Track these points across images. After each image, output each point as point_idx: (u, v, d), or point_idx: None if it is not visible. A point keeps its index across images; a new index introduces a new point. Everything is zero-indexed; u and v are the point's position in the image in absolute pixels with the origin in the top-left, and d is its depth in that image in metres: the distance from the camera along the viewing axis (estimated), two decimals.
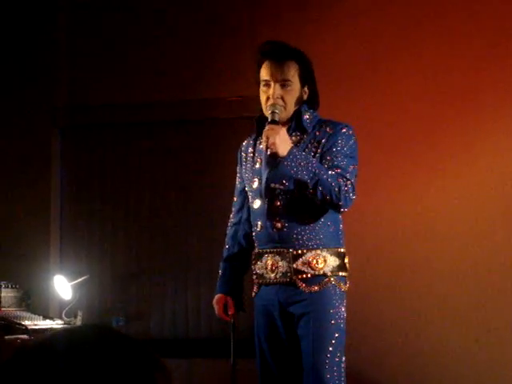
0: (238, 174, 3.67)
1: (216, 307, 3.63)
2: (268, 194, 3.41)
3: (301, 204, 3.36)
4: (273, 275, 3.41)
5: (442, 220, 5.08)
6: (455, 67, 5.12)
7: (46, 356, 1.10)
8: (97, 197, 5.78)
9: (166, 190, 5.67)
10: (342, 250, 3.44)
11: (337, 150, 3.36)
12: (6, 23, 5.88)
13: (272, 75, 3.41)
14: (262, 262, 3.45)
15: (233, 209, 3.70)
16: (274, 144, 3.26)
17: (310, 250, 3.36)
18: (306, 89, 3.47)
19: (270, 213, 3.40)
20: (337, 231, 3.43)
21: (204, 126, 5.63)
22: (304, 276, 3.35)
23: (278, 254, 3.39)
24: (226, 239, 3.69)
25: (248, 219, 3.59)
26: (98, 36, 5.79)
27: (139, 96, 5.69)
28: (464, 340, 4.97)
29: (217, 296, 3.64)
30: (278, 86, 3.40)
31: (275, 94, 3.39)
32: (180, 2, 5.69)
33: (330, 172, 3.28)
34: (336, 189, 3.25)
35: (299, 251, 3.36)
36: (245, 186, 3.60)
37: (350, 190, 3.29)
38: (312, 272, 3.35)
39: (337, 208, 3.32)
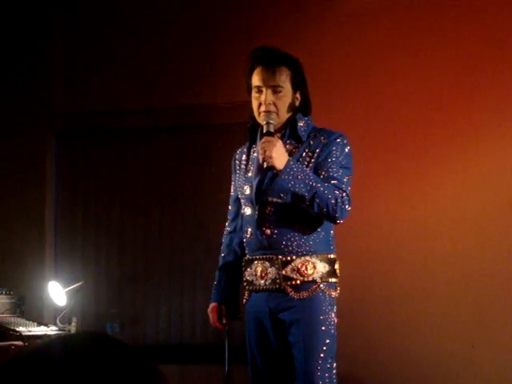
0: (232, 183, 3.65)
1: (211, 316, 3.62)
2: (258, 201, 3.39)
3: (291, 211, 3.34)
4: (262, 282, 3.39)
5: (437, 225, 5.08)
6: (448, 71, 5.12)
7: (40, 363, 1.10)
8: (92, 203, 5.78)
9: (161, 196, 5.67)
10: (333, 255, 3.41)
11: (332, 160, 3.35)
12: (3, 29, 5.88)
13: (264, 81, 3.38)
14: (251, 268, 3.43)
15: (228, 217, 3.68)
16: (271, 157, 3.24)
17: (299, 256, 3.33)
18: (297, 95, 3.45)
19: (260, 219, 3.38)
20: (327, 237, 3.41)
21: (198, 132, 5.64)
22: (293, 282, 3.33)
23: (268, 260, 3.37)
24: (222, 247, 3.68)
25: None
26: (95, 42, 5.80)
27: (135, 102, 5.70)
28: (460, 345, 4.97)
29: (211, 305, 3.63)
30: (269, 91, 3.38)
31: (267, 100, 3.37)
32: (175, 9, 5.70)
33: (325, 184, 3.27)
34: (333, 201, 3.24)
35: (288, 257, 3.34)
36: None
37: (346, 202, 3.28)
38: (301, 278, 3.33)
39: (333, 220, 3.32)
